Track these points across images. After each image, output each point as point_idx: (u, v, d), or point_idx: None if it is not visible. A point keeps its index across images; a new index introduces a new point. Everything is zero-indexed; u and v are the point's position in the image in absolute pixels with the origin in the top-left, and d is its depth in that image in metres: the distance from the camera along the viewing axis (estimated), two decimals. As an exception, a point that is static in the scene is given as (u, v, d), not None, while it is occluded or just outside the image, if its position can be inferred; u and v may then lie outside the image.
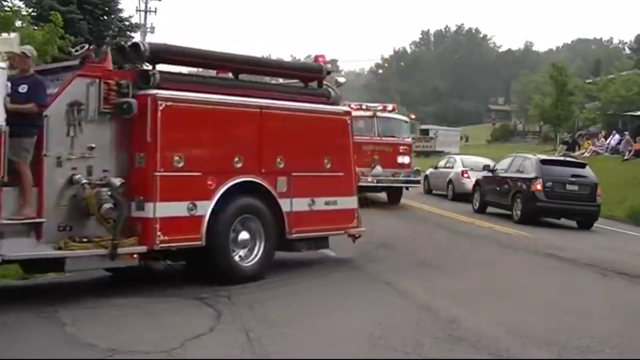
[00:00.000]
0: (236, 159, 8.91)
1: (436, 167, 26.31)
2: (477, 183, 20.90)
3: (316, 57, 10.63)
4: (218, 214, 8.61)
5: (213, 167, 8.71)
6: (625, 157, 31.36)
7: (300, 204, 9.63)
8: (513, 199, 18.25)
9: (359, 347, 6.44)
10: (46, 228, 7.55)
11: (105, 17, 25.03)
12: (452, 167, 25.12)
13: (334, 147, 10.27)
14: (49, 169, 7.65)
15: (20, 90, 7.58)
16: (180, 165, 8.32)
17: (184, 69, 11.24)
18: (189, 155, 8.44)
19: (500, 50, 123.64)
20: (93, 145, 7.94)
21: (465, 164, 24.91)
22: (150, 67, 8.63)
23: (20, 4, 19.77)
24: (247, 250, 9.11)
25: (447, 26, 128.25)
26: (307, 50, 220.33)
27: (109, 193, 7.78)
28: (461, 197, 22.73)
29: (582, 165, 19.06)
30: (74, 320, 6.86)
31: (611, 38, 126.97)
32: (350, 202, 10.44)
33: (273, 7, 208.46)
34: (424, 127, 60.19)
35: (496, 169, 20.25)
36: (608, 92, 47.17)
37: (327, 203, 10.00)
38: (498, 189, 19.34)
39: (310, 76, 10.54)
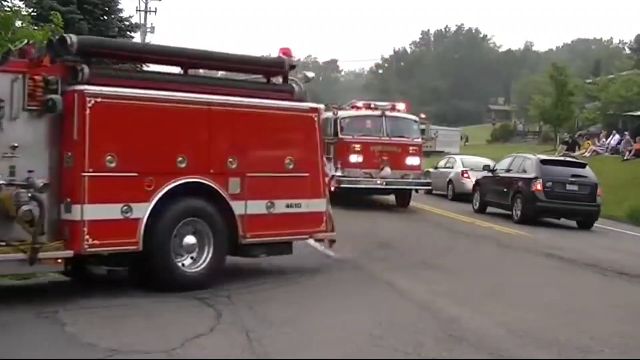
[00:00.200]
0: (179, 159, 8.31)
1: (436, 167, 26.32)
2: (477, 183, 20.91)
3: (280, 50, 9.86)
4: (157, 217, 8.05)
5: (152, 167, 8.12)
6: (625, 157, 31.36)
7: (257, 207, 8.94)
8: (513, 199, 18.26)
9: (359, 347, 6.44)
10: None
11: (105, 17, 25.02)
12: (452, 167, 25.14)
13: (298, 146, 9.60)
14: None
15: None
16: (113, 165, 7.78)
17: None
18: (122, 154, 7.87)
19: (500, 50, 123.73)
20: (16, 145, 7.45)
21: (465, 164, 24.92)
22: (79, 62, 8.01)
23: (20, 4, 19.76)
24: (194, 255, 8.54)
25: (447, 26, 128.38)
26: (307, 50, 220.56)
27: (29, 194, 7.31)
28: (461, 197, 22.74)
29: (582, 165, 19.07)
30: (74, 320, 6.86)
31: (611, 38, 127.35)
32: (318, 204, 9.66)
33: (273, 7, 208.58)
34: (422, 127, 60.07)
35: (496, 169, 20.25)
36: (608, 92, 47.18)
37: (289, 206, 9.32)
38: (498, 189, 19.36)
39: (272, 71, 9.86)
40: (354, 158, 18.57)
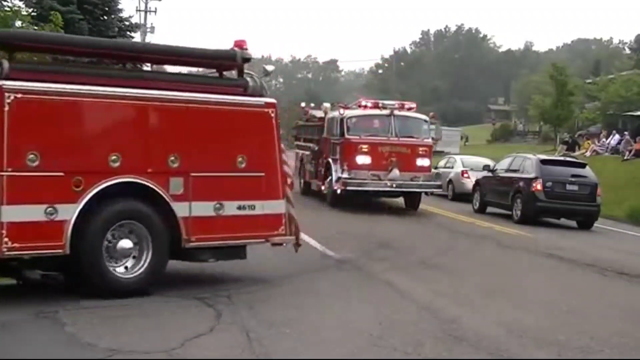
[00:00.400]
0: (113, 158, 7.76)
1: (436, 167, 26.30)
2: (477, 183, 20.91)
3: (235, 43, 9.24)
4: (87, 219, 7.57)
5: (80, 166, 7.63)
6: (625, 157, 31.37)
7: (203, 209, 8.36)
8: (513, 199, 18.28)
9: (359, 347, 6.44)
10: None
11: (105, 17, 25.07)
12: (452, 167, 25.15)
13: (252, 144, 8.91)
14: None
15: None
16: (35, 164, 7.30)
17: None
18: (47, 153, 7.39)
19: (500, 50, 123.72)
20: None
21: (465, 164, 24.94)
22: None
23: (20, 4, 19.83)
24: (130, 260, 8.01)
25: (447, 26, 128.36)
26: (307, 50, 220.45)
27: None
28: (461, 197, 22.76)
29: (582, 165, 19.08)
30: (74, 320, 6.85)
31: (611, 38, 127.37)
32: (275, 206, 8.97)
33: (274, 7, 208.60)
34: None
35: (496, 169, 20.26)
36: (608, 92, 47.18)
37: (241, 207, 8.68)
38: (498, 189, 19.36)
39: (223, 64, 9.25)
40: (361, 159, 17.89)
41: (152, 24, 79.62)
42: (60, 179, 7.47)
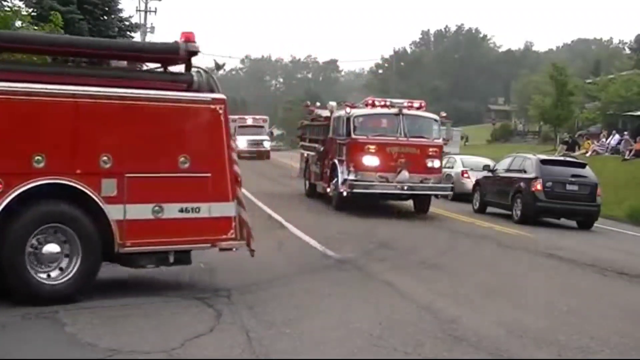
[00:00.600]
0: (37, 158, 7.33)
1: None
2: (477, 183, 20.91)
3: (182, 35, 8.70)
4: (8, 222, 7.22)
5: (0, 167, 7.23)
6: (625, 157, 31.39)
7: (140, 211, 7.87)
8: (513, 199, 18.28)
9: (359, 347, 6.44)
10: None
11: (105, 17, 25.08)
12: (452, 167, 25.12)
13: (197, 143, 8.36)
14: None
15: None
16: None
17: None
18: None
19: (500, 50, 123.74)
20: None
21: (465, 164, 24.93)
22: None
23: (20, 4, 19.83)
24: (58, 266, 7.58)
25: (447, 26, 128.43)
26: (307, 50, 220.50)
27: None
28: (461, 197, 22.74)
29: (582, 165, 19.08)
30: (74, 320, 6.85)
31: (611, 38, 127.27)
32: (223, 209, 8.39)
33: (273, 8, 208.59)
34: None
35: (496, 169, 20.26)
36: (608, 92, 47.20)
37: (183, 210, 8.13)
38: (498, 189, 19.36)
39: (166, 58, 8.71)
40: (369, 160, 17.03)
41: (152, 24, 79.65)
42: None
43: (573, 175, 17.99)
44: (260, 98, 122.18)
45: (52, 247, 7.54)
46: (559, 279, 10.72)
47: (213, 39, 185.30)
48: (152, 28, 45.43)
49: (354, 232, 14.34)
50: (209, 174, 8.31)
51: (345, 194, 16.91)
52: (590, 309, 8.54)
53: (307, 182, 21.08)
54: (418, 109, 18.14)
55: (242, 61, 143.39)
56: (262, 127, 39.00)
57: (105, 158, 7.73)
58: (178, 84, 8.46)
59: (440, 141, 17.98)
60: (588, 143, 38.10)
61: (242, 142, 36.50)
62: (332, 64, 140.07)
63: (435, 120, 18.19)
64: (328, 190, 18.26)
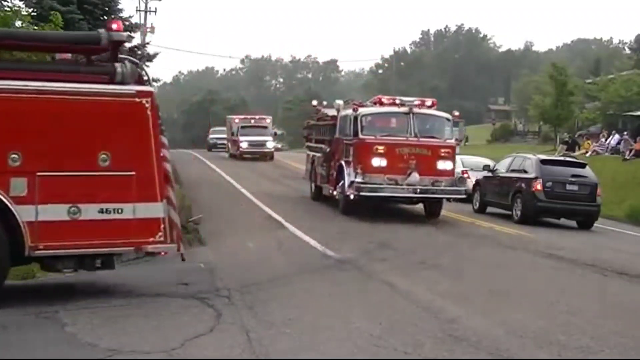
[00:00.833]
0: None
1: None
2: (477, 183, 20.89)
3: (107, 24, 8.21)
4: None
5: None
6: (625, 157, 31.39)
7: (54, 212, 7.42)
8: (513, 199, 18.26)
9: (359, 347, 6.44)
10: None
11: (105, 17, 25.04)
12: (452, 167, 25.08)
13: (119, 139, 7.79)
14: None
15: None
16: None
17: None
18: None
19: (500, 50, 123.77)
20: None
21: (465, 164, 24.89)
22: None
23: (20, 4, 19.80)
24: None
25: (447, 26, 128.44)
26: (307, 50, 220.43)
27: None
28: (461, 197, 22.68)
29: (582, 165, 19.07)
30: (74, 320, 6.86)
31: (611, 38, 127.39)
32: (150, 209, 7.85)
33: (273, 7, 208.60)
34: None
35: (496, 169, 20.25)
36: (608, 92, 47.18)
37: (104, 211, 7.64)
38: (498, 189, 19.35)
39: (87, 49, 8.19)
40: (377, 162, 16.04)
41: (152, 24, 79.46)
42: None
43: (573, 175, 17.98)
44: (260, 98, 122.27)
45: None
46: (559, 279, 10.71)
47: (213, 39, 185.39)
48: (152, 28, 45.32)
49: (354, 232, 14.35)
50: (133, 172, 7.83)
51: (352, 197, 15.98)
52: (590, 309, 8.53)
53: (313, 185, 19.99)
54: (429, 107, 17.26)
55: (242, 61, 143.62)
56: (265, 127, 38.54)
57: (14, 156, 7.34)
58: (98, 76, 7.95)
59: (452, 141, 17.00)
60: (588, 143, 38.09)
61: (244, 143, 36.22)
62: (332, 64, 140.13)
63: (448, 119, 17.19)
64: (334, 193, 17.40)
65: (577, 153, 34.00)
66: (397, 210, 18.62)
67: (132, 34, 27.85)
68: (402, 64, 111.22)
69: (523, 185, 18.04)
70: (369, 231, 14.39)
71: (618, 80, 48.60)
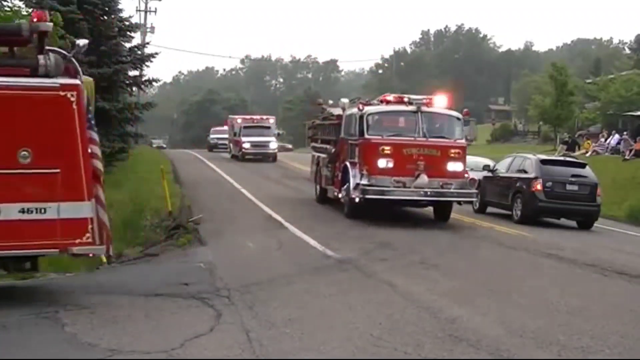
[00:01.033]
0: None
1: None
2: (477, 183, 20.88)
3: (33, 14, 7.83)
4: None
5: None
6: (625, 157, 31.40)
7: None
8: (513, 199, 18.26)
9: (359, 347, 6.44)
10: None
11: (105, 17, 25.09)
12: (452, 167, 25.06)
13: (41, 134, 7.40)
14: None
15: None
16: None
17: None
18: None
19: (500, 50, 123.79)
20: None
21: (465, 164, 24.87)
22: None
23: (20, 4, 19.78)
24: None
25: (447, 26, 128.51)
26: (307, 50, 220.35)
27: None
28: (461, 197, 22.67)
29: (582, 165, 19.06)
30: (74, 320, 6.86)
31: (611, 38, 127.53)
32: (77, 209, 7.45)
33: (273, 7, 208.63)
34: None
35: (496, 169, 20.24)
36: (608, 92, 47.24)
37: (25, 211, 7.24)
38: (498, 189, 19.35)
39: (5, 40, 7.83)
40: (383, 163, 15.26)
41: (152, 24, 79.78)
42: None
43: (573, 175, 17.98)
44: (260, 98, 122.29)
45: None
46: (559, 279, 10.71)
47: (213, 39, 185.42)
48: (152, 28, 45.50)
49: (354, 231, 14.34)
50: (57, 170, 7.42)
51: (357, 200, 15.29)
52: (590, 309, 8.53)
53: (318, 187, 19.21)
54: (440, 104, 16.46)
55: (242, 61, 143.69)
56: (268, 127, 38.19)
57: None
58: (20, 68, 7.57)
59: (463, 141, 16.09)
60: (588, 143, 38.10)
61: (246, 144, 35.97)
62: (332, 64, 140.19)
63: (458, 118, 16.32)
64: (339, 195, 16.71)
65: (577, 153, 34.01)
66: (398, 210, 18.59)
67: (132, 34, 27.92)
68: (402, 64, 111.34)
69: (523, 185, 18.03)
70: (368, 231, 14.39)
71: (618, 80, 48.66)
